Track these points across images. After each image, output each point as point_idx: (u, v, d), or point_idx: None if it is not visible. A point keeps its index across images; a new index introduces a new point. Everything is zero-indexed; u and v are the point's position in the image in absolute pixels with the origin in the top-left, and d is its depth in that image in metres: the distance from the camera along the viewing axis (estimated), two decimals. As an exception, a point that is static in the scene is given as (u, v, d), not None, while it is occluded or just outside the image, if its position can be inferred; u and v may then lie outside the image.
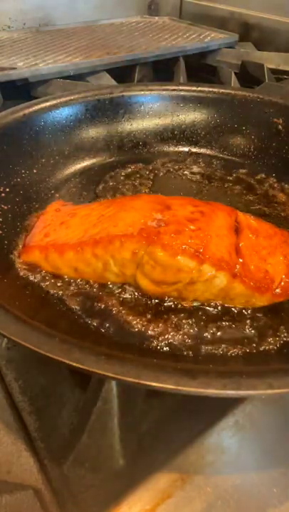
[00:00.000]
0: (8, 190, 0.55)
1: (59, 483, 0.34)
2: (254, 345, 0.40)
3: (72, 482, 0.34)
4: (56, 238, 0.47)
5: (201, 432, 0.37)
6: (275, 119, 0.70)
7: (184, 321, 0.42)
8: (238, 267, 0.41)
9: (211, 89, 0.74)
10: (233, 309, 0.44)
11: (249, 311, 0.43)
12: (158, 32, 1.18)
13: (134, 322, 0.42)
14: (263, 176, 0.67)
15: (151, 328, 0.41)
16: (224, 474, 0.34)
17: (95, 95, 0.71)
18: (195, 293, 0.43)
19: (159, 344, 0.40)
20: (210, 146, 0.74)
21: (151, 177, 0.67)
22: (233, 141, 0.73)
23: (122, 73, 0.98)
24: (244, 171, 0.69)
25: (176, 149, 0.75)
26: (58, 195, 0.62)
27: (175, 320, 0.42)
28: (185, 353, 0.39)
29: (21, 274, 0.46)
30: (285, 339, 0.41)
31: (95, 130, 0.71)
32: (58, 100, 0.68)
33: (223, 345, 0.40)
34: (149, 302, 0.44)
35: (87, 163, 0.69)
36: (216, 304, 0.44)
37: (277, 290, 0.43)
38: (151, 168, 0.69)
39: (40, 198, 0.60)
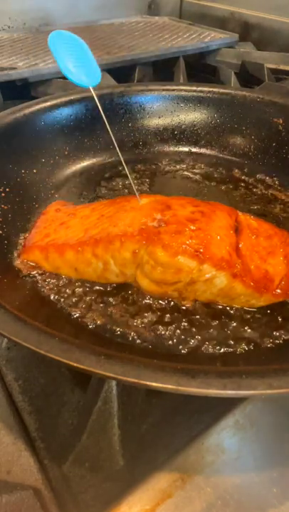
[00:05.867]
0: (8, 190, 0.55)
1: (59, 483, 0.34)
2: (254, 345, 0.40)
3: (72, 482, 0.34)
4: (56, 238, 0.47)
5: (201, 431, 0.37)
6: (275, 119, 0.70)
7: (184, 321, 0.42)
8: (238, 266, 0.41)
9: (211, 89, 0.74)
10: (233, 309, 0.44)
11: (249, 311, 0.44)
12: (158, 32, 1.18)
13: (134, 322, 0.42)
14: (263, 175, 0.67)
15: (151, 328, 0.41)
16: (224, 474, 0.34)
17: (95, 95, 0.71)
18: (195, 293, 0.43)
19: (159, 344, 0.40)
20: (210, 146, 0.74)
21: (151, 177, 0.67)
22: (233, 141, 0.73)
23: (122, 73, 0.98)
24: (244, 170, 0.69)
25: (176, 149, 0.75)
26: (57, 195, 0.62)
27: (175, 320, 0.42)
28: (185, 352, 0.39)
29: (21, 274, 0.47)
30: (284, 339, 0.41)
31: (95, 130, 0.71)
32: (58, 100, 0.68)
33: (222, 345, 0.40)
34: (149, 302, 0.44)
35: (87, 163, 0.69)
36: (216, 304, 0.44)
37: (278, 290, 0.43)
38: (151, 168, 0.69)
39: (40, 198, 0.60)
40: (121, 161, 0.52)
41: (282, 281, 0.43)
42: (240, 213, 0.48)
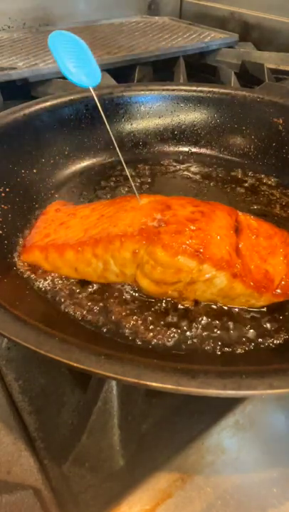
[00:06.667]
0: (8, 190, 0.55)
1: (59, 483, 0.34)
2: (254, 345, 0.40)
3: (72, 482, 0.34)
4: (56, 238, 0.47)
5: (201, 432, 0.37)
6: (275, 119, 0.70)
7: (184, 321, 0.42)
8: (238, 266, 0.41)
9: (211, 89, 0.74)
10: (233, 309, 0.44)
11: (249, 311, 0.43)
12: (158, 32, 1.18)
13: (135, 322, 0.42)
14: (263, 176, 0.67)
15: (151, 328, 0.41)
16: (224, 474, 0.34)
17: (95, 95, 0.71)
18: (195, 293, 0.43)
19: (159, 344, 0.40)
20: (210, 146, 0.74)
21: (151, 177, 0.67)
22: (233, 141, 0.73)
23: (122, 73, 0.98)
24: (244, 170, 0.69)
25: (176, 149, 0.75)
26: (57, 195, 0.62)
27: (175, 320, 0.42)
28: (185, 353, 0.39)
29: (21, 274, 0.47)
30: (284, 339, 0.41)
31: (95, 130, 0.71)
32: (58, 100, 0.68)
33: (222, 345, 0.40)
34: (149, 302, 0.44)
35: (87, 163, 0.69)
36: (216, 304, 0.44)
37: (278, 290, 0.43)
38: (151, 168, 0.69)
39: (40, 198, 0.60)
40: (121, 161, 0.52)
41: (282, 281, 0.43)
42: (240, 213, 0.48)
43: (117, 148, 0.52)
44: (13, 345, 0.45)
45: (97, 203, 0.54)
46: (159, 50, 1.03)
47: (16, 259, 0.48)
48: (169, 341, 0.40)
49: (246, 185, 0.65)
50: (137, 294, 0.45)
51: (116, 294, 0.45)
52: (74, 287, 0.46)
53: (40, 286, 0.45)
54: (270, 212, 0.59)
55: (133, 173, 0.67)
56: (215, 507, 0.32)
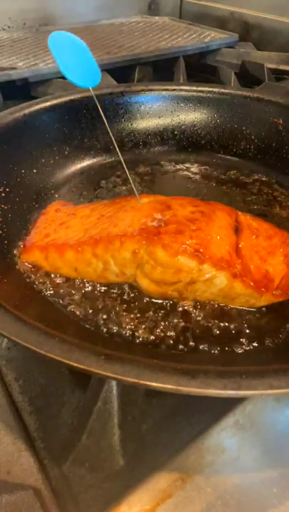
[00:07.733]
0: (8, 190, 0.55)
1: (59, 483, 0.34)
2: (254, 345, 0.40)
3: (72, 482, 0.34)
4: (56, 238, 0.47)
5: (201, 432, 0.37)
6: (275, 119, 0.70)
7: (184, 321, 0.42)
8: (238, 267, 0.41)
9: (211, 89, 0.74)
10: (233, 309, 0.44)
11: (249, 311, 0.44)
12: (158, 32, 1.18)
13: (134, 322, 0.42)
14: (263, 176, 0.67)
15: (151, 328, 0.41)
16: (224, 474, 0.34)
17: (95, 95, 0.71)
18: (195, 293, 0.43)
19: (159, 344, 0.40)
20: (210, 146, 0.74)
21: (151, 177, 0.67)
22: (233, 141, 0.73)
23: (122, 73, 0.98)
24: (244, 170, 0.69)
25: (176, 149, 0.75)
26: (57, 195, 0.62)
27: (175, 320, 0.42)
28: (185, 352, 0.39)
29: (21, 274, 0.47)
30: (284, 339, 0.41)
31: (95, 130, 0.71)
32: (58, 100, 0.68)
33: (223, 345, 0.40)
34: (149, 302, 0.44)
35: (87, 163, 0.69)
36: (216, 304, 0.44)
37: (278, 290, 0.43)
38: (151, 168, 0.69)
39: (40, 198, 0.60)
40: (121, 161, 0.52)
41: (282, 281, 0.43)
42: (240, 213, 0.48)
43: (117, 148, 0.52)
44: (13, 345, 0.45)
45: (97, 203, 0.54)
46: (159, 50, 1.03)
47: (16, 259, 0.48)
48: (169, 341, 0.40)
49: (246, 185, 0.65)
50: (137, 294, 0.45)
51: (116, 294, 0.45)
52: (74, 287, 0.46)
53: (40, 286, 0.45)
54: (270, 212, 0.59)
55: (133, 173, 0.67)
56: (215, 507, 0.32)
